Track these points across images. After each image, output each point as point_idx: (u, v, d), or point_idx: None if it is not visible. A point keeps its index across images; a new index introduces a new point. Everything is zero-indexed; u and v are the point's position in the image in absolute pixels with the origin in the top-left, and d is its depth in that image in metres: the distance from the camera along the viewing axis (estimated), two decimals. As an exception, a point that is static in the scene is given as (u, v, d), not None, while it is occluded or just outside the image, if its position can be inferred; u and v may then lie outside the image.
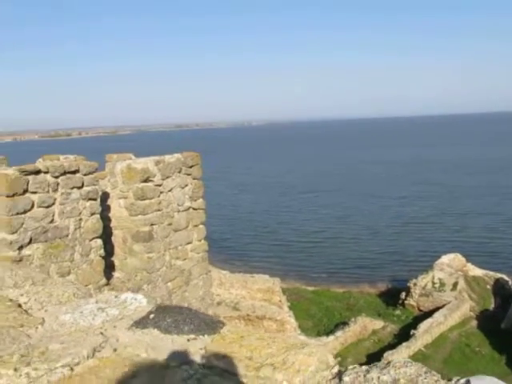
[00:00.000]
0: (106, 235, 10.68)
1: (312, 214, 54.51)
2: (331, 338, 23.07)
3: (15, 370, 1.51)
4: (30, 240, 8.38)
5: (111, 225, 11.18)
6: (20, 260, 8.21)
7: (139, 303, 2.02)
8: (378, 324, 25.94)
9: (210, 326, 1.81)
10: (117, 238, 11.25)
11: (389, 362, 1.53)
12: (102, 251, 9.85)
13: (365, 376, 1.47)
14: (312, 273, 36.61)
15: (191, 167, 11.86)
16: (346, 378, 1.48)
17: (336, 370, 1.57)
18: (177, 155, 11.62)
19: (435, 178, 75.49)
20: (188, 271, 12.17)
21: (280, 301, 21.87)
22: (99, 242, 9.78)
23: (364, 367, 1.57)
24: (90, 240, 9.55)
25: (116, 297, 2.08)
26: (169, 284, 11.64)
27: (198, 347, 1.69)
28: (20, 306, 2.10)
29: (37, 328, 1.90)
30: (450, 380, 1.52)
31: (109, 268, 10.83)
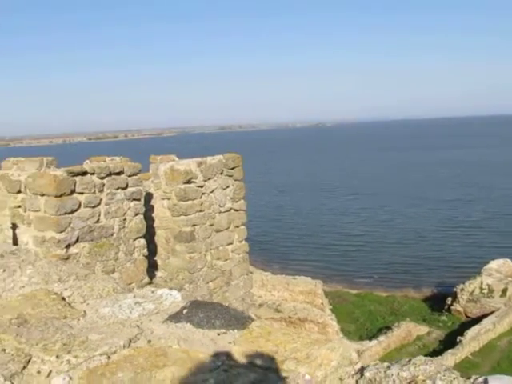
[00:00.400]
0: (150, 235, 10.93)
1: (355, 217, 53.94)
2: (374, 342, 22.80)
3: (57, 356, 1.63)
4: (77, 239, 8.69)
5: (154, 225, 11.43)
6: (67, 258, 8.52)
7: (174, 299, 2.11)
8: (423, 329, 25.44)
9: (240, 321, 1.89)
10: (160, 238, 11.49)
11: (409, 360, 1.56)
12: (145, 251, 10.10)
13: (385, 372, 1.50)
14: (355, 276, 36.25)
15: (233, 169, 11.99)
16: (366, 374, 1.53)
17: (359, 366, 1.61)
18: (218, 157, 11.78)
19: (484, 181, 73.38)
20: (229, 272, 12.31)
21: (322, 303, 21.79)
22: (143, 241, 10.03)
23: (385, 364, 1.61)
24: (134, 239, 9.82)
25: (153, 292, 2.19)
26: (210, 284, 11.80)
27: (227, 341, 1.77)
28: (64, 299, 2.23)
29: (78, 320, 2.02)
30: (468, 378, 1.54)
31: (152, 267, 11.08)
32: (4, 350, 1.77)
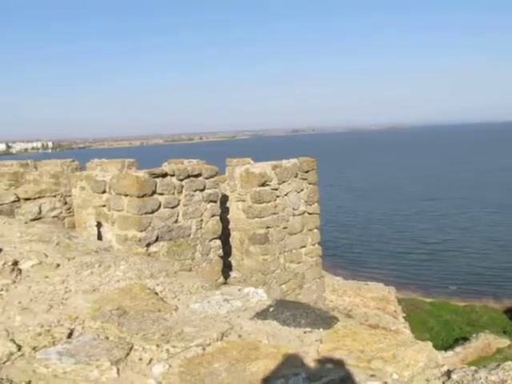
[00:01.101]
0: (224, 236, 11.18)
1: (433, 224, 52.21)
2: (450, 353, 21.99)
3: (157, 345, 1.77)
4: (157, 238, 9.06)
5: (229, 226, 11.67)
6: (148, 256, 8.90)
7: (260, 297, 2.20)
8: (504, 342, 24.24)
9: (325, 320, 1.95)
10: (234, 239, 11.72)
11: (499, 365, 1.56)
12: (220, 251, 10.35)
13: (473, 375, 1.51)
14: (430, 284, 35.12)
15: (307, 172, 12.03)
16: (454, 376, 1.54)
17: (446, 368, 1.63)
18: (293, 160, 11.86)
19: None
20: (301, 275, 12.35)
21: (395, 311, 21.29)
22: (218, 242, 10.29)
23: (472, 367, 1.61)
24: (210, 240, 10.09)
25: (239, 290, 2.29)
26: (283, 286, 11.89)
27: (313, 339, 1.83)
28: (157, 293, 2.38)
29: (171, 313, 2.16)
30: None
31: (226, 268, 11.32)
32: (107, 338, 1.93)
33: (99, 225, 9.59)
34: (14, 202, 7.14)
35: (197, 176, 9.63)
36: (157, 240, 9.04)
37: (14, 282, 2.83)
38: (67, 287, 2.71)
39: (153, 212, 8.89)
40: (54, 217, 7.62)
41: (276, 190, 11.28)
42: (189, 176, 9.46)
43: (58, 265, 3.07)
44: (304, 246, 12.26)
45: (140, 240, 8.75)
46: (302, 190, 11.98)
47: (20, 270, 2.98)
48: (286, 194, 11.55)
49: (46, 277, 2.91)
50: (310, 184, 12.13)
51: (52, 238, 3.69)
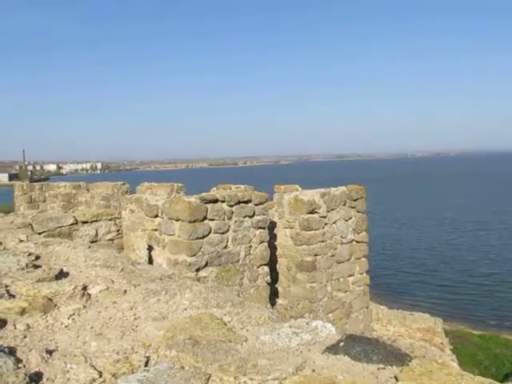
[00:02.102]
0: (271, 263, 11.19)
1: (483, 255, 50.51)
2: (501, 390, 21.09)
3: (235, 378, 1.80)
4: (206, 263, 9.16)
5: (276, 253, 11.68)
6: (197, 281, 9.00)
7: (329, 331, 2.22)
8: (558, 380, 23.08)
9: (398, 357, 1.94)
10: (281, 265, 11.71)
11: None
12: (268, 278, 10.36)
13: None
14: (479, 316, 33.86)
15: (356, 200, 11.97)
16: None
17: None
18: (342, 188, 11.83)
19: None
20: (349, 304, 12.19)
21: (442, 343, 20.61)
22: (266, 268, 10.31)
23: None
24: (258, 266, 10.12)
25: (307, 323, 2.31)
26: (329, 315, 11.75)
27: (388, 376, 1.83)
28: (225, 324, 2.43)
29: (242, 344, 2.20)
30: None
31: (273, 294, 11.30)
32: (183, 367, 1.99)
33: (150, 248, 9.78)
34: (73, 224, 7.40)
35: (247, 202, 9.73)
36: (206, 265, 9.14)
37: (85, 306, 2.95)
38: (136, 314, 2.80)
39: (203, 237, 9.01)
40: (109, 240, 7.83)
41: (324, 217, 11.25)
42: (239, 202, 9.57)
43: (125, 291, 3.17)
44: (352, 275, 12.13)
45: (190, 265, 8.87)
46: (350, 218, 11.90)
47: (89, 295, 3.10)
48: (334, 222, 11.50)
49: (115, 302, 3.00)
50: (358, 212, 12.05)
51: (116, 264, 3.81)
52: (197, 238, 8.91)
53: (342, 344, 2.09)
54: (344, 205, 11.72)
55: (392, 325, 21.91)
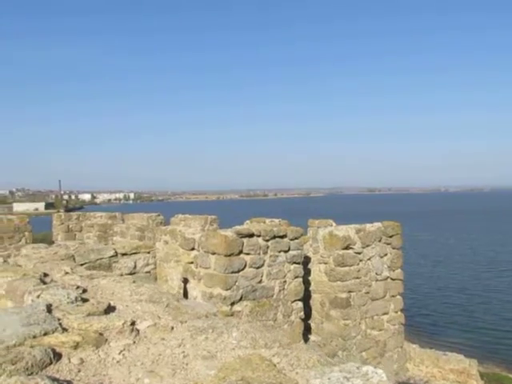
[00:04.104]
0: (304, 298, 11.11)
1: (522, 296, 48.93)
2: None
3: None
4: (241, 297, 9.17)
5: (310, 288, 11.61)
6: (231, 315, 9.00)
7: (380, 377, 2.22)
8: None
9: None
10: (315, 301, 11.62)
11: None
12: (302, 314, 10.29)
13: None
14: (516, 359, 32.61)
15: (391, 237, 11.87)
16: None
17: None
18: (377, 224, 11.76)
19: None
20: (383, 342, 11.96)
21: (477, 386, 19.93)
22: (300, 304, 10.25)
23: None
24: (292, 302, 10.07)
25: (358, 368, 2.32)
26: (363, 353, 11.55)
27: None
28: (275, 365, 2.46)
29: (293, 387, 2.23)
30: None
31: (306, 330, 11.18)
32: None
33: (185, 281, 9.86)
34: (112, 256, 7.55)
35: (282, 237, 9.76)
36: (241, 299, 9.15)
37: (134, 342, 3.02)
38: (184, 351, 2.85)
39: (239, 271, 9.05)
40: (146, 272, 7.95)
41: (359, 253, 11.18)
42: (274, 237, 9.61)
43: (172, 327, 3.23)
44: (386, 313, 11.93)
45: (225, 298, 8.90)
46: (385, 255, 11.79)
47: (138, 331, 3.17)
48: (369, 259, 11.41)
49: (163, 339, 3.07)
50: (393, 249, 11.93)
51: (162, 299, 3.88)
52: (232, 272, 8.95)
53: (394, 391, 2.09)
54: (379, 241, 11.63)
55: (424, 365, 21.27)
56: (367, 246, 11.37)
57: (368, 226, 11.55)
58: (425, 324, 40.26)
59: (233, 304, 9.02)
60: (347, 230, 11.15)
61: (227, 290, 8.95)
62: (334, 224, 12.58)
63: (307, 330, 11.40)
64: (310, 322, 11.64)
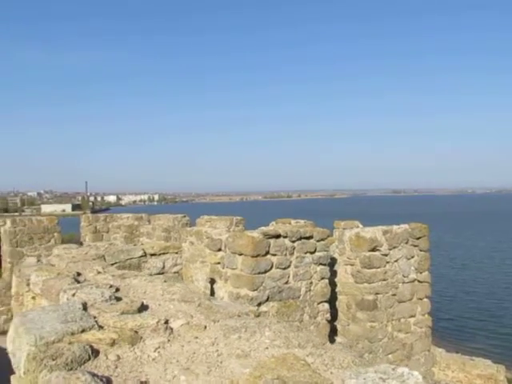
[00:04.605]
0: (330, 299, 11.08)
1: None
2: None
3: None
4: (268, 298, 9.20)
5: (336, 290, 11.57)
6: (258, 316, 9.04)
7: (416, 379, 2.22)
8: None
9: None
10: (341, 303, 11.57)
11: None
12: (328, 315, 10.27)
13: None
14: (546, 365, 31.90)
15: (418, 239, 11.75)
16: None
17: None
18: (404, 226, 11.66)
19: None
20: (410, 345, 11.85)
21: (504, 392, 19.57)
22: (326, 305, 10.22)
23: None
24: (319, 303, 10.06)
25: (393, 369, 2.32)
26: (389, 356, 11.45)
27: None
28: (309, 365, 2.48)
29: (328, 387, 2.24)
30: None
31: (331, 332, 11.14)
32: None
33: (212, 281, 9.93)
34: (142, 256, 7.65)
35: (308, 238, 9.76)
36: (267, 300, 9.18)
37: (168, 340, 3.06)
38: (218, 350, 2.88)
39: (265, 272, 9.08)
40: (175, 272, 8.03)
41: (386, 255, 11.10)
42: (301, 238, 9.61)
43: (205, 326, 3.27)
44: (413, 316, 11.81)
45: (252, 299, 8.94)
46: (412, 257, 11.68)
47: (171, 329, 3.22)
48: (396, 260, 11.31)
49: (196, 337, 3.11)
50: (421, 251, 11.80)
51: (193, 299, 3.93)
52: (259, 273, 8.99)
53: (430, 392, 2.09)
54: (406, 243, 11.53)
55: (450, 369, 20.95)
56: (394, 247, 11.27)
57: (395, 227, 11.46)
58: (451, 328, 39.70)
59: (259, 305, 9.05)
60: (374, 232, 11.08)
61: (254, 290, 8.99)
62: (360, 225, 12.52)
63: (333, 332, 11.36)
64: (335, 323, 11.60)
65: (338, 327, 11.72)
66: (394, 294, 11.39)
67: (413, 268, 11.71)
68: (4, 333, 18.53)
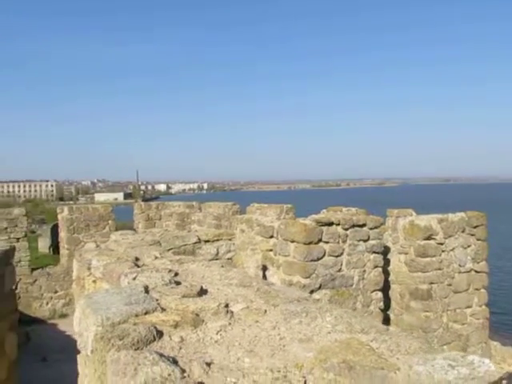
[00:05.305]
0: (383, 288, 10.93)
1: None
2: None
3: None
4: (320, 286, 9.17)
5: (389, 279, 11.41)
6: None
7: (488, 367, 2.15)
8: None
9: None
10: (394, 292, 11.40)
11: None
12: (381, 304, 10.15)
13: None
14: None
15: (475, 227, 11.41)
16: None
17: None
18: (460, 214, 11.34)
19: None
20: (466, 337, 11.56)
21: None
22: (380, 294, 10.10)
23: None
24: (372, 292, 9.95)
25: (462, 357, 2.26)
26: (444, 347, 11.20)
27: None
28: (374, 350, 2.44)
29: (395, 373, 2.20)
30: None
31: (384, 321, 11.01)
32: (345, 392, 2.03)
33: (264, 268, 9.97)
34: (196, 243, 7.76)
35: (361, 226, 9.65)
36: (320, 288, 9.15)
37: (230, 323, 3.09)
38: (280, 334, 2.89)
39: (318, 259, 9.05)
40: (228, 259, 8.11)
41: (441, 244, 10.84)
42: (354, 226, 9.51)
43: (265, 311, 3.28)
44: (470, 307, 11.51)
45: (304, 286, 8.92)
46: (469, 246, 11.36)
47: (232, 313, 3.24)
48: (451, 250, 11.04)
49: (257, 321, 3.12)
50: (478, 240, 11.46)
51: (252, 284, 3.95)
52: (311, 260, 8.96)
53: (504, 382, 2.02)
54: (462, 232, 11.22)
55: (506, 363, 20.33)
56: (450, 236, 11.00)
57: (451, 215, 11.16)
58: (506, 322, 38.48)
59: (312, 292, 9.03)
60: (429, 220, 10.84)
61: (306, 278, 8.98)
62: (413, 213, 12.26)
63: (386, 321, 11.22)
64: (388, 312, 11.45)
65: (391, 316, 11.56)
66: (450, 284, 11.13)
67: (469, 257, 11.39)
68: (63, 316, 19.26)
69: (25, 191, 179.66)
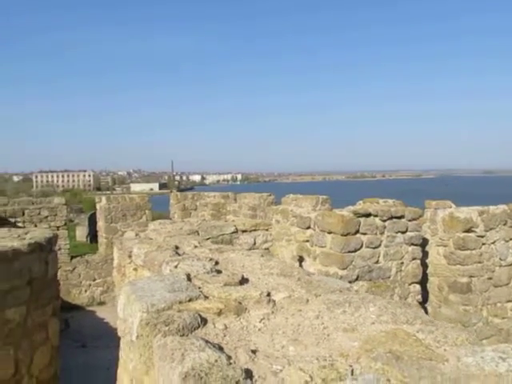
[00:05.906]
0: (421, 281, 10.79)
1: None
2: None
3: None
4: (357, 277, 9.12)
5: (427, 271, 11.24)
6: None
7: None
8: None
9: None
10: (432, 285, 11.24)
11: None
12: (419, 297, 10.03)
13: None
14: None
15: (518, 220, 11.12)
16: None
17: None
18: (502, 206, 11.07)
19: None
20: (506, 331, 11.32)
21: None
22: (418, 287, 9.98)
23: None
24: (409, 284, 9.84)
25: (512, 349, 2.22)
26: (484, 342, 11.00)
27: None
28: (421, 341, 2.42)
29: (444, 364, 2.17)
30: None
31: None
32: (389, 381, 2.02)
33: (301, 259, 9.97)
34: (233, 233, 7.82)
35: (399, 218, 9.53)
36: (357, 279, 9.10)
37: (272, 312, 3.10)
38: (323, 323, 2.88)
39: (355, 251, 8.99)
40: (265, 249, 8.14)
41: (482, 237, 10.60)
42: (392, 217, 9.41)
43: (307, 300, 3.28)
44: (510, 301, 11.25)
45: (341, 277, 8.87)
46: (510, 240, 11.08)
47: (274, 302, 3.26)
48: (492, 243, 10.79)
49: (300, 310, 3.13)
50: (520, 233, 11.17)
51: (293, 273, 3.96)
52: (349, 252, 8.91)
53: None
54: (504, 224, 10.95)
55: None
56: (491, 229, 10.75)
57: (492, 208, 10.90)
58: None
59: (349, 283, 8.98)
60: (469, 212, 10.61)
61: (343, 269, 8.94)
62: (453, 205, 12.03)
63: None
64: (426, 305, 11.29)
65: (429, 309, 11.40)
66: (490, 278, 10.89)
67: (511, 251, 11.12)
68: (101, 303, 19.71)
69: (63, 181, 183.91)
